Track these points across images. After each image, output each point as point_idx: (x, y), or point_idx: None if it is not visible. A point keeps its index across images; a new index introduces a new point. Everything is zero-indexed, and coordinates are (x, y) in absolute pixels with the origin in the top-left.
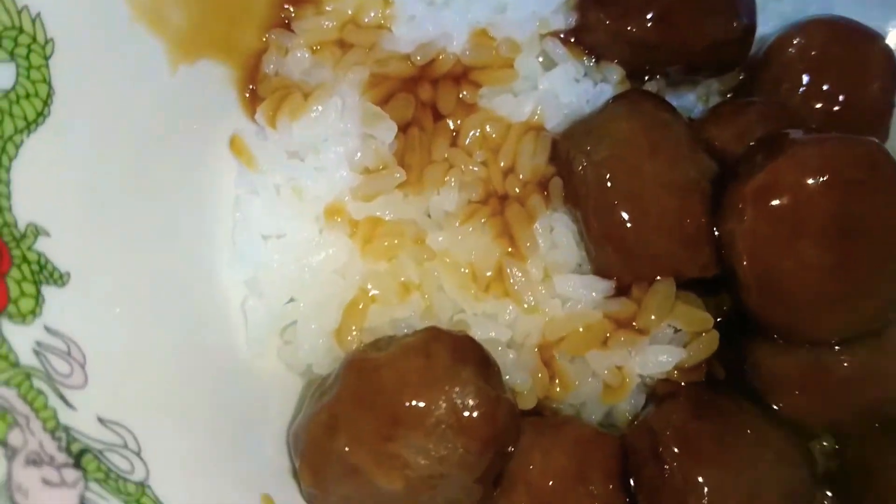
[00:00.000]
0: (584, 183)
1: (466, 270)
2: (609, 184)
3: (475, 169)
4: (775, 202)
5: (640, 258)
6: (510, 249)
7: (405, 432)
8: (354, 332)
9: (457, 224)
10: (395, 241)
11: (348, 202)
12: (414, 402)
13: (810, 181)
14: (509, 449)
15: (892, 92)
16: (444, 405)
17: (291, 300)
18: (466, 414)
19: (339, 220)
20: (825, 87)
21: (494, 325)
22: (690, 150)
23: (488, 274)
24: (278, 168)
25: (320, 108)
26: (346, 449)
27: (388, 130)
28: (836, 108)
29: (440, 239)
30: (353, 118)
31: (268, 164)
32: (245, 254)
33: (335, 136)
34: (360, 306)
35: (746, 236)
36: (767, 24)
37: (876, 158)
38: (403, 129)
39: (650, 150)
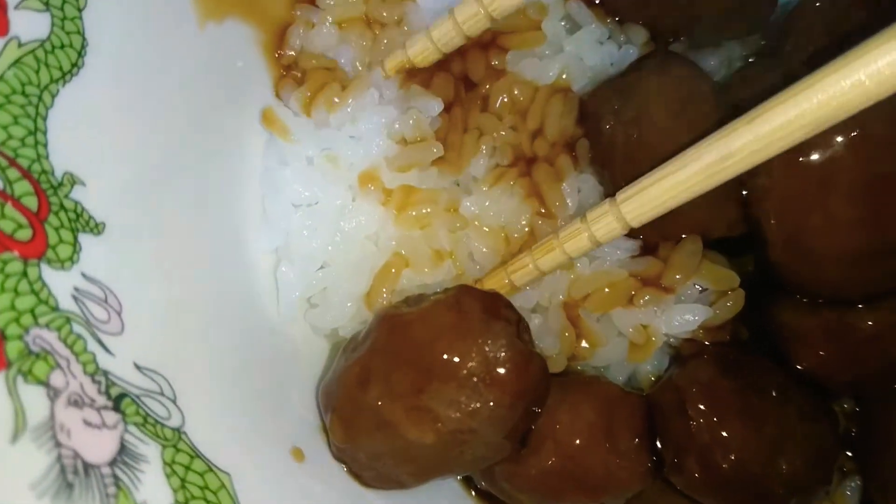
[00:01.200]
0: (611, 142)
1: (497, 234)
2: (636, 141)
3: (504, 134)
4: (804, 159)
5: (667, 217)
6: (541, 210)
7: (437, 385)
8: (385, 295)
9: (485, 188)
10: (429, 210)
11: (383, 170)
12: (446, 356)
13: (839, 138)
14: (537, 409)
15: None
16: (476, 358)
17: (322, 267)
18: (499, 367)
19: (373, 187)
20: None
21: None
22: (717, 108)
23: (515, 236)
24: (312, 139)
25: (356, 101)
26: (378, 402)
27: (433, 103)
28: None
29: (468, 204)
30: (394, 101)
31: (301, 134)
32: (275, 222)
33: (374, 107)
34: (393, 271)
35: (774, 193)
36: None
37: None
38: (448, 108)
39: (677, 107)
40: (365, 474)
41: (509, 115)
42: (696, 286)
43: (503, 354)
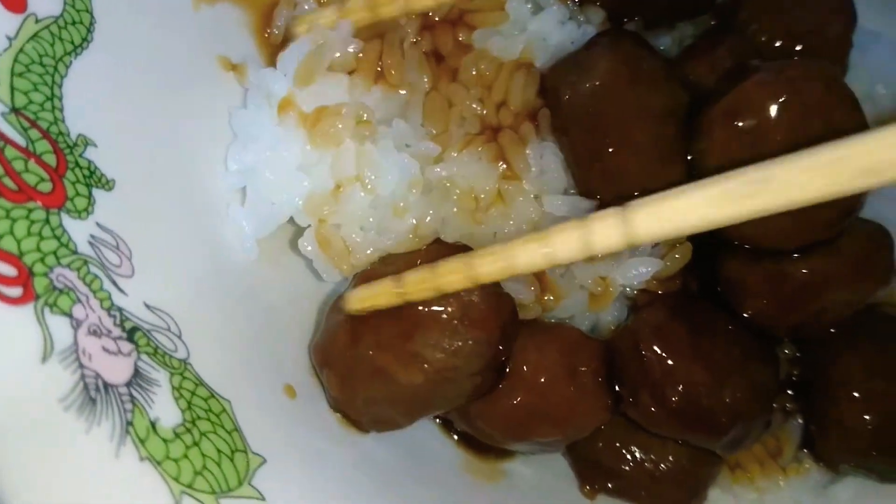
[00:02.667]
0: (569, 111)
1: (467, 195)
2: (592, 110)
3: (474, 105)
4: (740, 122)
5: (620, 178)
6: (507, 173)
7: (422, 331)
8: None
9: (454, 154)
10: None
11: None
12: (427, 304)
13: (770, 102)
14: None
15: (850, 32)
16: (454, 303)
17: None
18: (474, 308)
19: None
20: (789, 28)
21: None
22: (666, 80)
23: (483, 196)
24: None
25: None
26: (371, 353)
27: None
28: (798, 48)
29: (438, 169)
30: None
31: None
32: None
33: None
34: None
35: (714, 154)
36: None
37: (829, 81)
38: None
39: (628, 79)
40: (362, 420)
41: (476, 88)
42: None
43: (476, 298)
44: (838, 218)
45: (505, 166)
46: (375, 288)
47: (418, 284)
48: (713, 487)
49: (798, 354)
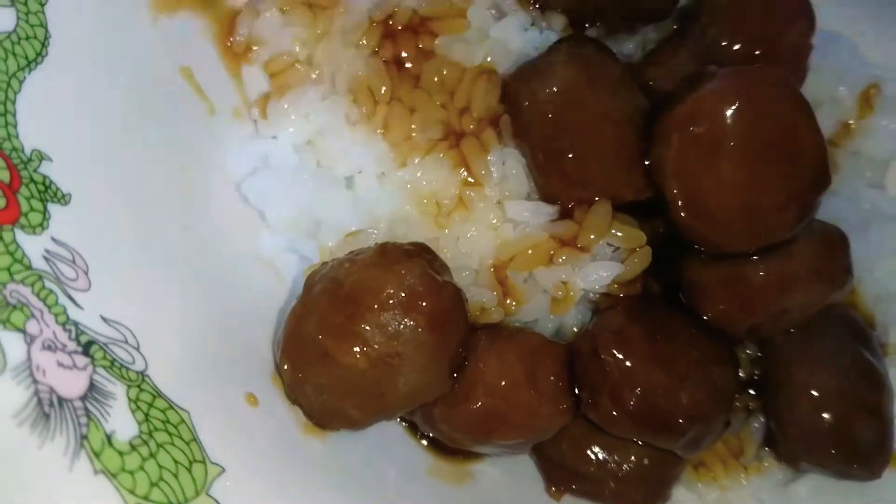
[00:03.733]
0: (530, 118)
1: (429, 200)
2: (551, 117)
3: (436, 111)
4: (696, 128)
5: (580, 183)
6: (469, 179)
7: (363, 312)
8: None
9: (417, 160)
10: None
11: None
12: (369, 285)
13: (725, 108)
14: (461, 350)
15: (809, 35)
16: (394, 285)
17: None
18: (412, 292)
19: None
20: (749, 32)
21: (456, 250)
22: (625, 86)
23: (446, 202)
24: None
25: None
26: (317, 336)
27: None
28: (757, 52)
29: (400, 174)
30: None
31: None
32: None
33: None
34: None
35: (672, 160)
36: None
37: (782, 87)
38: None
39: (588, 86)
40: (316, 411)
41: (439, 94)
42: (609, 246)
43: (416, 280)
44: (793, 220)
45: (467, 173)
46: None
47: None
48: (677, 486)
49: (759, 354)
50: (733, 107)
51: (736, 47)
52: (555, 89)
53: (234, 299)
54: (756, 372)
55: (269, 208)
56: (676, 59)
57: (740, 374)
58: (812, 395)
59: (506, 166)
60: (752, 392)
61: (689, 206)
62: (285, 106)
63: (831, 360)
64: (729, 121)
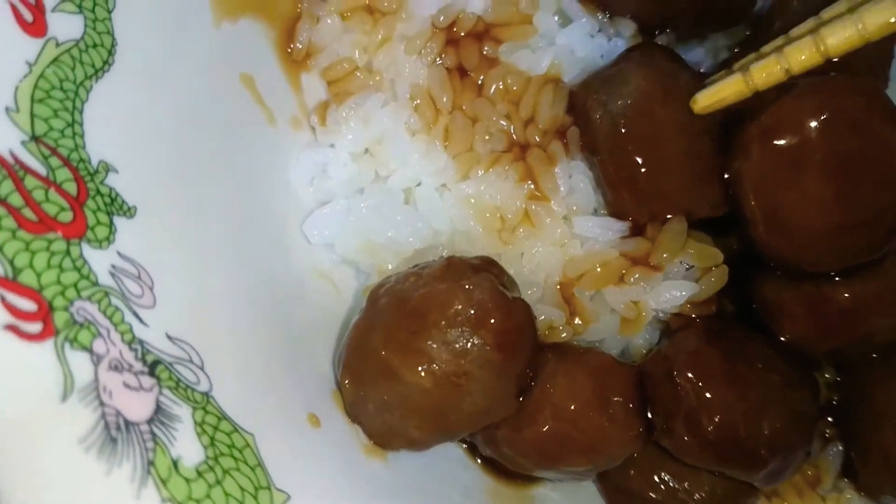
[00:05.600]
0: (600, 129)
1: (493, 215)
2: (623, 129)
3: (501, 122)
4: (779, 140)
5: (654, 199)
6: (535, 193)
7: (430, 329)
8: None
9: (481, 172)
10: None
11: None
12: (436, 302)
13: (810, 119)
14: (530, 369)
15: (893, 40)
16: (461, 301)
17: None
18: (481, 309)
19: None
20: None
21: (520, 266)
22: None
23: (510, 216)
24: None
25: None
26: (381, 351)
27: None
28: (835, 59)
29: (464, 187)
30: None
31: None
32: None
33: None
34: None
35: (752, 173)
36: None
37: (872, 97)
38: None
39: (661, 96)
40: (376, 430)
41: (503, 104)
42: (683, 264)
43: (485, 296)
44: (882, 239)
45: (533, 186)
46: (723, 84)
47: (767, 68)
48: None
49: (838, 378)
50: (819, 117)
51: None
52: (627, 100)
53: (293, 314)
54: (834, 398)
55: (336, 240)
56: None
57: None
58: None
59: (573, 180)
60: (829, 419)
61: (770, 222)
62: (344, 113)
63: None
64: (814, 132)
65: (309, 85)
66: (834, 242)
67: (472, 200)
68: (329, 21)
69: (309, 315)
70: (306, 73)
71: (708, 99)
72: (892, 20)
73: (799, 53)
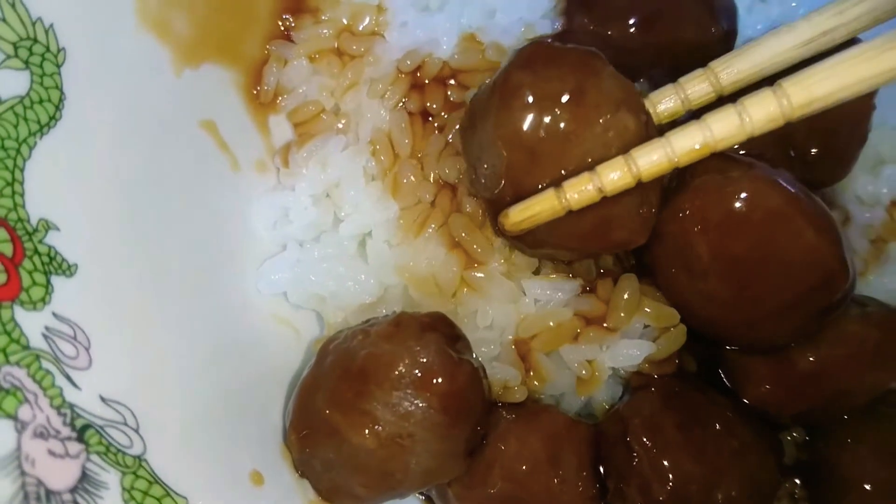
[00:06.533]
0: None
1: (430, 282)
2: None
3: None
4: (670, 245)
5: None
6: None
7: (374, 390)
8: None
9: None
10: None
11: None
12: (381, 361)
13: (695, 225)
14: (479, 427)
15: (873, 93)
16: (407, 363)
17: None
18: (426, 371)
19: None
20: None
21: (474, 323)
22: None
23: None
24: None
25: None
26: (326, 410)
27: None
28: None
29: (405, 249)
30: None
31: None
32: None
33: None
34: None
35: (659, 271)
36: (755, 27)
37: (758, 193)
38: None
39: None
40: (324, 487)
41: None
42: (640, 322)
43: (431, 359)
44: (802, 324)
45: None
46: (535, 200)
47: (579, 186)
48: None
49: (807, 438)
50: (703, 221)
51: None
52: None
53: (248, 362)
54: (803, 457)
55: (288, 288)
56: None
57: (785, 461)
58: (864, 487)
59: None
60: (797, 480)
61: (689, 317)
62: (304, 155)
63: (886, 450)
64: (697, 240)
65: (276, 128)
66: (749, 334)
67: (410, 270)
68: (297, 63)
69: (265, 363)
70: (274, 115)
71: (519, 215)
72: (697, 146)
73: (610, 171)
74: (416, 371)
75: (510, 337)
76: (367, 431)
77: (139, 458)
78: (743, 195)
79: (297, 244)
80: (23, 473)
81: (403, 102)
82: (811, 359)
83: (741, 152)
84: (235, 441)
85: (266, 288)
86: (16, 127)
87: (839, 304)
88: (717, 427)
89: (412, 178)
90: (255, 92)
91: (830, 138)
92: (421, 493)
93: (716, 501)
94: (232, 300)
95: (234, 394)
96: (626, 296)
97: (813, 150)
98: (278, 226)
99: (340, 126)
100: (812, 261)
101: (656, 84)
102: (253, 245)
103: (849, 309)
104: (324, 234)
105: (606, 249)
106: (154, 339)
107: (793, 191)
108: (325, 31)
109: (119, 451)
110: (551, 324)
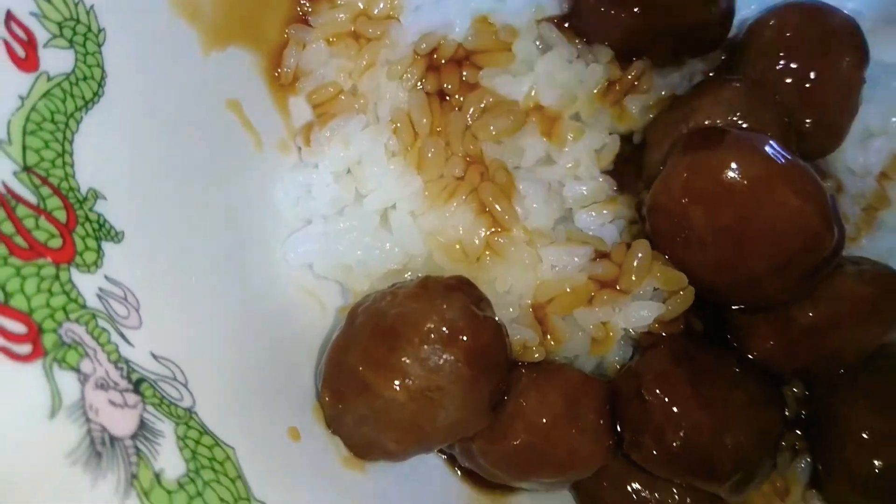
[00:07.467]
0: None
1: (457, 248)
2: None
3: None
4: (661, 212)
5: None
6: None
7: (404, 346)
8: None
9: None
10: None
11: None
12: (410, 319)
13: (683, 196)
14: (502, 384)
15: (862, 68)
16: (435, 319)
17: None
18: (453, 327)
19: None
20: (797, 65)
21: (493, 289)
22: None
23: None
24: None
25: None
26: (358, 367)
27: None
28: (807, 85)
29: (430, 218)
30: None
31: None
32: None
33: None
34: None
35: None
36: (749, 7)
37: (742, 158)
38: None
39: None
40: (355, 443)
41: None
42: (650, 285)
43: (456, 315)
44: (795, 284)
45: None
46: None
47: None
48: None
49: (807, 393)
50: (688, 196)
51: (787, 80)
52: None
53: (278, 330)
54: (803, 411)
55: (314, 260)
56: (724, 91)
57: (787, 414)
58: (862, 437)
59: (525, 202)
60: (798, 432)
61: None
62: (327, 134)
63: (883, 403)
64: (687, 211)
65: (296, 109)
66: (748, 294)
67: (437, 237)
68: (315, 46)
69: (294, 332)
70: (294, 97)
71: None
72: None
73: None
74: (444, 328)
75: (528, 301)
76: (397, 386)
77: (189, 411)
78: (729, 165)
79: (322, 218)
80: (88, 420)
81: (421, 83)
82: (810, 315)
83: (743, 124)
84: (273, 399)
85: (295, 259)
86: (63, 102)
87: (828, 262)
88: (725, 380)
89: (435, 152)
90: (276, 74)
91: (823, 110)
92: (442, 452)
93: (726, 448)
94: (260, 272)
95: (266, 358)
96: (639, 257)
97: (807, 121)
98: (301, 202)
99: (357, 106)
100: (798, 223)
101: (660, 63)
102: (276, 222)
103: (844, 268)
104: (347, 208)
105: None
106: (194, 304)
107: (775, 158)
108: (341, 15)
109: (171, 403)
110: (567, 288)
